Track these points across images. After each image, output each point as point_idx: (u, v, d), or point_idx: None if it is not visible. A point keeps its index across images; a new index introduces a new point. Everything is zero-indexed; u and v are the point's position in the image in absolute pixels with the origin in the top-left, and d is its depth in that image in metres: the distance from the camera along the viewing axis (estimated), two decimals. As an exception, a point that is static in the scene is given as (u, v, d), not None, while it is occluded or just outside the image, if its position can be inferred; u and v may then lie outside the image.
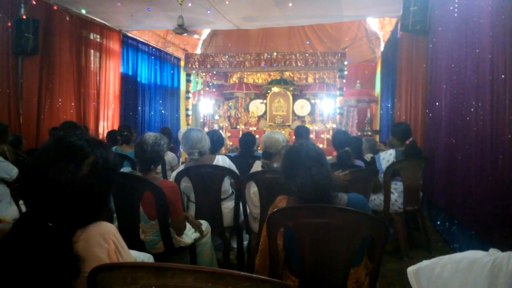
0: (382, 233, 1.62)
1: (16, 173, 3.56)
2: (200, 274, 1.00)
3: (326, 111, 10.03)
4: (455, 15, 3.78)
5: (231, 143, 9.08)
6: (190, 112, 9.78)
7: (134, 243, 2.44)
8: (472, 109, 3.25)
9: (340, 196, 1.80)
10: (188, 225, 2.70)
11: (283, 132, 8.74)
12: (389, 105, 7.52)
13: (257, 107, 10.54)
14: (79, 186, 1.14)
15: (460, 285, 1.15)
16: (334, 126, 9.18)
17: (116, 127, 7.39)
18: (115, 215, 2.60)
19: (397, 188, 3.73)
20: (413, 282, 1.27)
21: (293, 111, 10.22)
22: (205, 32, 10.81)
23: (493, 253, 1.14)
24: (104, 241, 1.17)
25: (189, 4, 6.08)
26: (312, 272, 1.70)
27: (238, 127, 10.23)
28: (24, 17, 5.32)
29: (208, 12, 6.59)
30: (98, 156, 1.19)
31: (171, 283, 1.02)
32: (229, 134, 9.82)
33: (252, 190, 3.06)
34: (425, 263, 1.26)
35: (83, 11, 6.51)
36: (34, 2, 5.49)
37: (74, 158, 1.15)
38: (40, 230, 1.10)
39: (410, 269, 1.28)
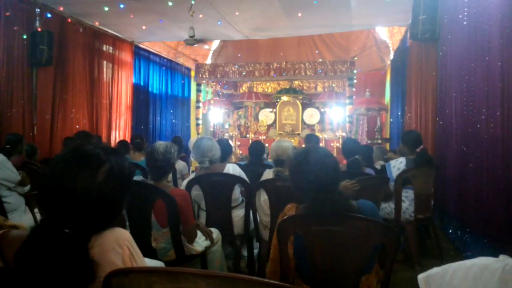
0: (393, 241, 1.63)
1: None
2: (213, 279, 1.02)
3: (336, 119, 10.00)
4: (464, 23, 3.78)
5: (240, 152, 9.09)
6: (200, 122, 9.83)
7: (146, 250, 2.46)
8: (482, 117, 3.23)
9: (350, 204, 1.81)
10: (199, 233, 2.71)
11: (292, 140, 8.75)
12: (399, 113, 7.49)
13: (266, 116, 10.56)
14: (95, 194, 1.16)
15: (470, 292, 1.15)
16: (344, 134, 9.14)
17: (128, 137, 7.48)
18: (127, 223, 2.63)
19: (408, 196, 3.71)
20: (423, 289, 1.26)
21: (302, 120, 10.20)
22: (215, 43, 10.91)
23: (503, 259, 1.13)
24: (118, 247, 1.19)
25: (200, 16, 6.17)
26: (323, 279, 1.71)
27: (248, 136, 10.23)
28: (39, 29, 5.44)
29: (219, 23, 6.67)
30: (114, 164, 1.22)
31: (184, 288, 1.04)
32: (239, 143, 9.84)
33: (262, 198, 3.08)
34: (435, 270, 1.26)
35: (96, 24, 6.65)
36: (49, 16, 5.62)
37: (90, 166, 1.18)
38: (57, 236, 1.12)
39: (421, 276, 1.28)
